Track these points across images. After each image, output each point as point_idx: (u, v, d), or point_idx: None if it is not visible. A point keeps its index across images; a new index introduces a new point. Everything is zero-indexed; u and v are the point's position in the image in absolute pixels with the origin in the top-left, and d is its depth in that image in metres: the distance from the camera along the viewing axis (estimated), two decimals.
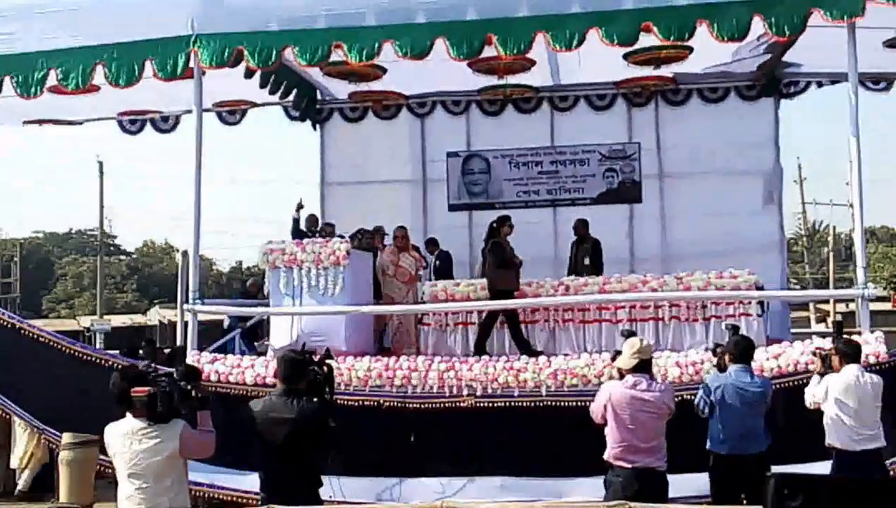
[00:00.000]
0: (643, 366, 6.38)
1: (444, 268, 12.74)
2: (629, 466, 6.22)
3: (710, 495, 7.16)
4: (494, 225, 10.94)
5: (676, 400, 7.58)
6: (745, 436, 6.90)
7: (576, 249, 12.27)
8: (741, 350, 7.15)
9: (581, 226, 12.47)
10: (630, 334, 7.21)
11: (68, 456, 9.14)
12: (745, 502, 6.75)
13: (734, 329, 8.08)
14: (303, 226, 12.64)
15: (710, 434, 6.97)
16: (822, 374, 7.32)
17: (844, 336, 8.29)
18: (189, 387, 5.52)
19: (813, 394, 7.24)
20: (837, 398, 7.03)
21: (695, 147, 13.91)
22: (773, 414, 7.38)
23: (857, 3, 8.54)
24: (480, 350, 10.28)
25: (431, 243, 13.17)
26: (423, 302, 11.05)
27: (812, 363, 7.83)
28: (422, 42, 9.02)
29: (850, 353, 7.23)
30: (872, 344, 8.57)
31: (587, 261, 12.00)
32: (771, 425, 7.14)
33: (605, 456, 6.35)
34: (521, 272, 10.78)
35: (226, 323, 13.39)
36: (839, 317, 9.58)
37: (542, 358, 9.30)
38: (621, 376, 6.46)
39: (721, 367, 7.31)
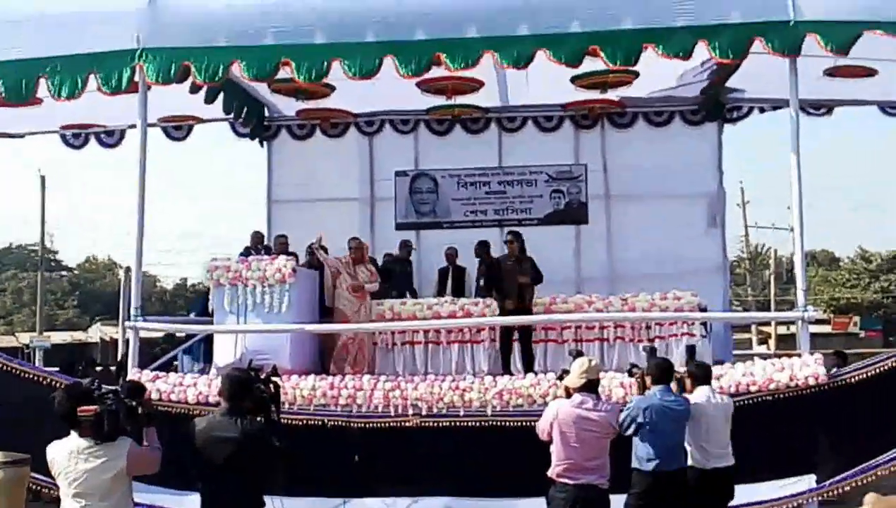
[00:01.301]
0: (590, 386, 6.48)
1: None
2: (572, 483, 6.30)
3: None
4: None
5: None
6: (671, 453, 7.05)
7: (477, 271, 12.46)
8: (662, 371, 7.29)
9: (480, 249, 12.64)
10: (578, 354, 7.34)
11: None
12: None
13: (652, 351, 8.29)
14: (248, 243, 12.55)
15: (637, 453, 7.05)
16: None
17: (696, 359, 8.51)
18: (134, 404, 5.46)
19: None
20: (691, 419, 7.23)
21: (640, 169, 14.03)
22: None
23: (796, 40, 8.76)
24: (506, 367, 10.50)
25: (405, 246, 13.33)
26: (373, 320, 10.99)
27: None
28: (370, 61, 9.01)
29: (701, 376, 7.53)
30: (812, 366, 8.72)
31: (482, 282, 12.21)
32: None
33: (550, 473, 6.40)
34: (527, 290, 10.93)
35: None
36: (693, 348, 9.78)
37: (488, 378, 9.31)
38: (568, 395, 6.54)
39: (642, 388, 7.43)
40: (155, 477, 5.88)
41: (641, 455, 7.02)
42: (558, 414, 6.42)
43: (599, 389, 7.60)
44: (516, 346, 10.86)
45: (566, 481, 6.32)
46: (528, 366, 10.43)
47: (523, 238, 11.48)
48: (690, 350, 9.56)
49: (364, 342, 10.83)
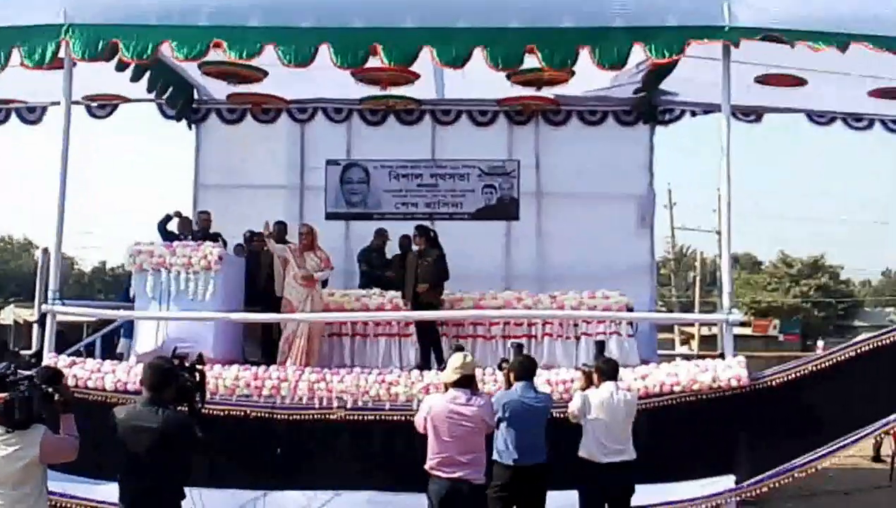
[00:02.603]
0: (465, 381, 6.67)
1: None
2: (445, 476, 6.50)
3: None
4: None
5: (546, 417, 7.80)
6: (529, 448, 7.25)
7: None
8: (524, 368, 7.53)
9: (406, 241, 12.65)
10: (458, 348, 7.68)
11: None
12: None
13: (518, 348, 8.58)
14: (174, 228, 12.28)
15: (497, 446, 7.21)
16: (584, 390, 7.77)
17: (604, 355, 8.85)
18: (51, 390, 5.31)
19: (572, 409, 7.64)
20: (591, 413, 7.52)
21: (572, 167, 14.11)
22: (636, 433, 7.63)
23: (734, 35, 8.84)
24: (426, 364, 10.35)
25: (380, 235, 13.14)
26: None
27: (577, 380, 8.23)
28: (305, 48, 8.82)
29: (608, 371, 7.76)
30: (735, 367, 8.84)
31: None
32: (550, 441, 7.42)
33: (426, 467, 6.59)
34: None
35: None
36: (600, 343, 10.06)
37: (415, 372, 9.26)
38: (446, 389, 6.72)
39: (508, 384, 7.61)
40: (69, 466, 5.72)
41: (501, 448, 7.23)
42: (432, 408, 6.63)
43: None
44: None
45: (439, 474, 6.52)
46: (438, 360, 10.38)
47: (432, 232, 11.52)
48: (599, 345, 9.77)
49: (311, 333, 10.49)
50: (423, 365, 10.32)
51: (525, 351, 10.27)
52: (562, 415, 7.82)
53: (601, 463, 7.43)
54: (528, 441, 7.24)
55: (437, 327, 10.82)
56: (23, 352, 10.14)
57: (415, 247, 11.43)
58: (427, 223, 13.65)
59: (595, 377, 7.74)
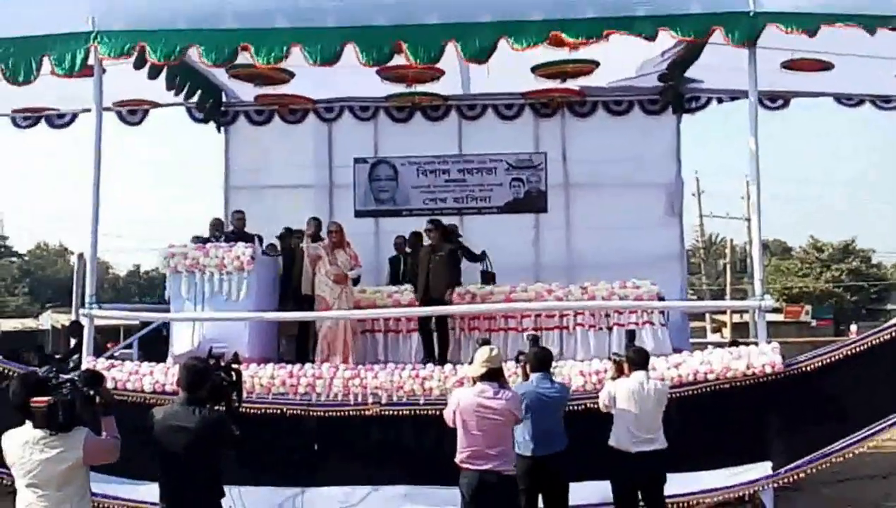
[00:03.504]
0: (492, 375, 6.67)
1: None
2: (475, 469, 6.52)
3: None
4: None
5: (579, 408, 7.85)
6: (547, 438, 7.33)
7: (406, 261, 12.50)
8: (540, 360, 7.61)
9: (404, 243, 12.70)
10: (485, 342, 7.65)
11: None
12: None
13: (534, 339, 8.51)
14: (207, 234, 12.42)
15: (515, 437, 7.17)
16: (615, 380, 7.79)
17: (634, 344, 8.79)
18: (92, 393, 5.39)
19: (603, 399, 7.67)
20: (621, 402, 7.52)
21: (600, 158, 14.02)
22: (670, 422, 7.63)
23: (755, 30, 8.79)
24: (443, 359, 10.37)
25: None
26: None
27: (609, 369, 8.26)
28: (331, 47, 8.89)
29: (637, 361, 7.73)
30: (769, 354, 8.81)
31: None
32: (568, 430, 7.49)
33: (456, 460, 6.61)
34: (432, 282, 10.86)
35: None
36: (633, 329, 10.01)
37: (448, 366, 9.31)
38: (474, 383, 6.74)
39: (525, 375, 7.68)
40: (111, 467, 5.81)
41: (519, 439, 7.24)
42: (460, 402, 6.64)
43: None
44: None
45: (469, 467, 6.54)
46: (442, 357, 10.47)
47: (445, 226, 11.51)
48: (630, 335, 9.73)
49: (347, 329, 10.54)
50: (440, 360, 10.37)
51: (558, 343, 10.34)
52: (594, 406, 7.86)
53: (631, 453, 7.43)
54: (546, 431, 7.31)
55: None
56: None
57: (427, 241, 11.38)
58: (456, 218, 13.76)
59: (625, 367, 7.75)
